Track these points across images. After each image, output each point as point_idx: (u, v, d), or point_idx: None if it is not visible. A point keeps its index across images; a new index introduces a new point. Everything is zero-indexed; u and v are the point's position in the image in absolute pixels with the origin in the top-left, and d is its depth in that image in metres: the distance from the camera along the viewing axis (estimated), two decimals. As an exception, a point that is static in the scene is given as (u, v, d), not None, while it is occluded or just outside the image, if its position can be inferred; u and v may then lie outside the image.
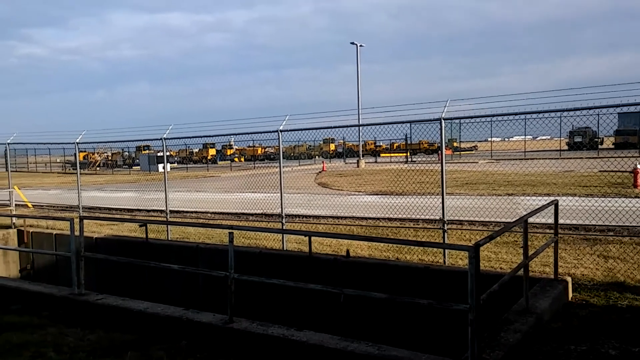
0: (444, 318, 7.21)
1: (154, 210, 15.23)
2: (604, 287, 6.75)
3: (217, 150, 60.55)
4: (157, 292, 10.26)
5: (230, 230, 5.92)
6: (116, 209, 17.64)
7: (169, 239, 11.54)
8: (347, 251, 9.05)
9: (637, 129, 34.69)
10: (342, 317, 8.27)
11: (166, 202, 12.05)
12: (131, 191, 19.99)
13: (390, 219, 12.59)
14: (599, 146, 33.86)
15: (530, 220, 8.96)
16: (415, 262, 8.73)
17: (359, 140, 42.54)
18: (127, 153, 58.07)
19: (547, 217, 7.39)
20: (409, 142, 41.80)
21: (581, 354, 4.60)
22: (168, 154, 13.44)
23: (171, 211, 12.71)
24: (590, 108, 7.71)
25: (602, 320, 5.48)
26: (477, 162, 35.62)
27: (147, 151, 45.29)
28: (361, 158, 41.65)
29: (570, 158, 26.73)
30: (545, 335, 5.18)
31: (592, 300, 6.28)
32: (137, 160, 51.40)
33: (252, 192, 17.55)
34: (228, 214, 14.94)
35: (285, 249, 10.19)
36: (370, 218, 13.07)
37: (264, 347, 5.31)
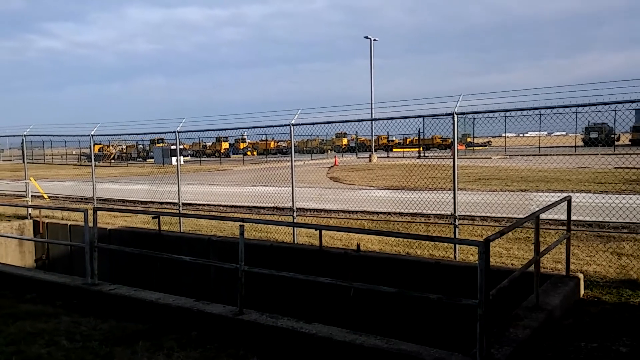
0: (453, 313, 7.20)
1: (167, 203, 15.36)
2: (616, 284, 6.68)
3: (230, 143, 60.81)
4: (169, 283, 10.37)
5: (241, 223, 5.96)
6: (130, 201, 17.83)
7: (182, 231, 11.65)
8: (358, 245, 9.06)
9: (655, 126, 34.10)
10: (351, 311, 8.30)
11: (179, 194, 12.16)
12: (145, 184, 20.17)
13: (401, 214, 12.57)
14: (615, 142, 33.34)
15: (543, 216, 8.88)
16: (426, 257, 8.72)
17: (372, 135, 42.41)
18: (141, 146, 58.55)
19: (560, 214, 7.33)
20: (422, 137, 41.55)
21: (591, 351, 4.57)
22: (181, 147, 13.56)
23: (184, 204, 12.82)
24: (605, 103, 7.62)
25: (614, 318, 5.43)
26: (490, 158, 35.34)
27: (161, 144, 45.63)
28: (373, 153, 41.54)
29: (586, 154, 26.37)
30: (555, 331, 5.15)
31: (604, 297, 6.22)
32: (151, 153, 51.80)
33: (264, 185, 17.61)
34: (240, 207, 15.03)
35: (296, 242, 10.23)
36: (381, 213, 13.06)
37: (273, 338, 5.35)
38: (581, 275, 6.64)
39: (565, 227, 6.80)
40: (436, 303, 7.37)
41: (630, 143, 34.61)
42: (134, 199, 17.96)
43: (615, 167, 17.56)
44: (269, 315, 5.70)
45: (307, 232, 10.89)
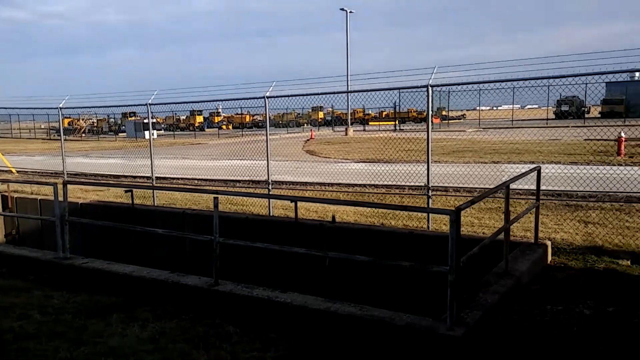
0: (427, 282, 7.35)
1: (140, 177, 15.13)
2: (582, 251, 6.91)
3: (204, 117, 59.93)
4: (143, 258, 10.29)
5: (216, 196, 5.92)
6: (102, 175, 17.51)
7: (155, 205, 11.52)
8: (333, 217, 9.12)
9: (624, 98, 34.86)
10: (327, 282, 8.39)
11: (152, 167, 11.99)
12: (117, 158, 19.82)
13: (376, 186, 12.66)
14: (586, 115, 34.05)
15: (514, 186, 9.05)
16: (400, 227, 8.84)
17: (347, 108, 42.32)
18: (112, 119, 57.26)
19: (530, 184, 7.50)
20: (397, 110, 41.66)
21: (556, 314, 4.75)
22: (154, 120, 13.32)
23: (157, 178, 12.65)
24: (576, 75, 7.72)
25: (579, 282, 5.63)
26: (465, 131, 35.69)
27: (133, 118, 44.68)
28: (349, 126, 41.51)
29: (557, 127, 26.87)
30: (523, 296, 5.32)
31: (571, 263, 6.44)
32: (123, 127, 50.74)
33: (240, 159, 17.49)
34: (215, 180, 14.91)
35: (271, 215, 10.24)
36: (357, 185, 13.12)
37: (249, 308, 5.39)
38: (549, 243, 6.84)
39: (534, 197, 6.96)
40: (410, 272, 7.52)
41: (600, 115, 35.40)
42: (106, 173, 17.64)
43: (584, 139, 17.98)
44: (244, 286, 5.73)
45: (282, 205, 10.90)
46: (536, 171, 6.69)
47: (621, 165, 13.17)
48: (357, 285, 8.18)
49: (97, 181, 15.64)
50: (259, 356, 4.36)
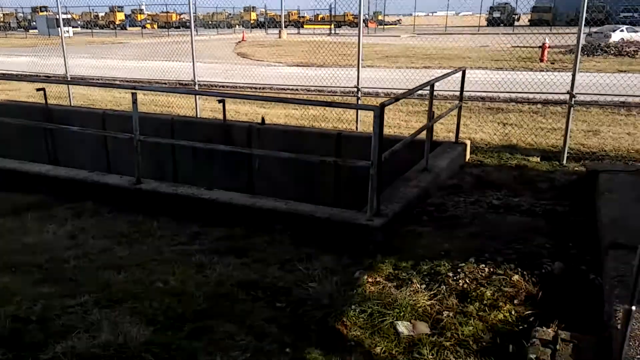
0: (355, 185, 7.56)
1: (54, 76, 14.00)
2: (498, 149, 7.31)
3: (125, 14, 55.33)
4: (62, 161, 9.81)
5: (133, 91, 5.59)
6: (11, 75, 16.03)
7: (72, 104, 10.81)
8: (262, 118, 8.98)
9: (551, 7, 35.62)
10: (257, 186, 8.43)
11: (65, 62, 11.06)
12: (28, 56, 18.09)
13: (308, 90, 12.49)
14: (515, 23, 34.64)
15: (442, 92, 9.20)
16: (330, 128, 8.89)
17: (282, 10, 40.49)
18: (21, 15, 51.67)
19: (457, 89, 7.62)
20: (333, 13, 40.36)
21: (468, 204, 5.08)
22: (69, 16, 12.01)
23: (73, 77, 11.75)
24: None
25: (492, 177, 6.00)
26: (399, 36, 35.47)
27: (45, 12, 40.46)
28: (283, 29, 39.97)
29: (488, 34, 27.22)
30: (440, 190, 5.62)
31: (487, 160, 6.81)
32: (34, 23, 45.98)
33: (166, 60, 16.53)
34: (138, 80, 14.10)
35: (199, 117, 9.93)
36: (289, 87, 12.89)
37: (173, 206, 5.34)
38: (468, 142, 7.16)
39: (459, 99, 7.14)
40: (338, 174, 7.71)
41: (529, 23, 36.15)
42: (16, 72, 16.16)
43: (512, 46, 18.40)
44: (168, 184, 5.64)
45: (211, 107, 10.57)
46: (461, 72, 6.81)
47: (542, 70, 13.72)
48: (287, 189, 8.28)
49: (5, 79, 14.34)
50: (184, 249, 4.40)
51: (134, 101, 5.50)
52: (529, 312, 3.27)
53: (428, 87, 5.62)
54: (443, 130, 8.33)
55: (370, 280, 3.79)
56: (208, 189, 5.44)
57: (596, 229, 4.18)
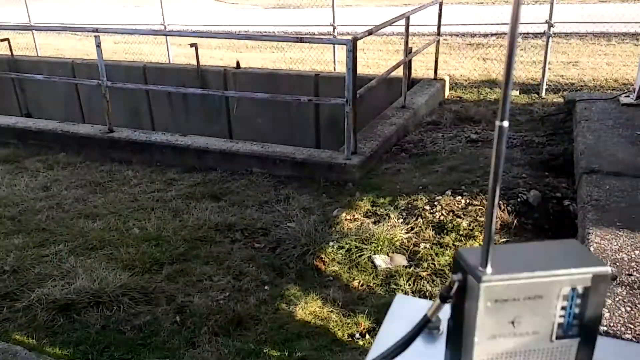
0: (335, 126, 7.47)
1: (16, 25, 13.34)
2: (477, 85, 7.22)
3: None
4: (35, 116, 9.51)
5: (96, 34, 5.33)
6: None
7: (39, 55, 10.37)
8: (237, 62, 8.70)
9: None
10: (236, 133, 8.27)
11: (27, 6, 10.50)
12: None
13: (285, 32, 12.13)
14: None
15: (422, 29, 8.94)
16: (307, 70, 8.68)
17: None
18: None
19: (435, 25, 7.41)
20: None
21: (447, 139, 5.04)
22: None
23: (37, 26, 11.20)
24: None
25: (471, 112, 5.93)
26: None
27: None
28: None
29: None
30: (419, 126, 5.56)
31: (466, 96, 6.74)
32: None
33: (135, 6, 15.84)
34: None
35: (171, 63, 9.61)
36: (265, 32, 12.48)
37: (147, 153, 5.23)
38: (447, 78, 7.05)
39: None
40: (318, 119, 7.59)
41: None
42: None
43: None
44: (142, 132, 5.49)
45: (184, 54, 10.21)
46: (438, 4, 6.60)
47: (524, 4, 13.41)
48: (266, 134, 8.15)
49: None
50: (160, 196, 4.34)
51: (98, 45, 5.25)
52: (504, 240, 3.31)
53: (404, 20, 5.44)
54: (422, 68, 8.17)
55: (348, 217, 3.79)
56: (183, 135, 5.32)
57: (572, 157, 4.19)
